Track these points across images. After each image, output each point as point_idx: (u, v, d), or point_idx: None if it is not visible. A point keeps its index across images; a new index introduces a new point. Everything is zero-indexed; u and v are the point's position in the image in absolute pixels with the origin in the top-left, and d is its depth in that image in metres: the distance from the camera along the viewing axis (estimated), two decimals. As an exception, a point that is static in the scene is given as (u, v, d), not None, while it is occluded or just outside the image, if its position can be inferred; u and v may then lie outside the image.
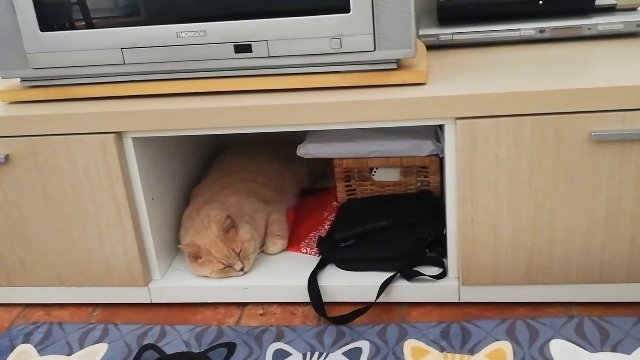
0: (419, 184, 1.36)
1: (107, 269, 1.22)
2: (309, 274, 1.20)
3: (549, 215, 1.07)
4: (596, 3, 1.23)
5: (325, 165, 1.48)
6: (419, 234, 1.21)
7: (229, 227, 1.22)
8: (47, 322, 1.23)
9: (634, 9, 1.23)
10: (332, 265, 1.24)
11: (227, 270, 1.22)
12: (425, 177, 1.34)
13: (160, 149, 1.26)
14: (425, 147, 1.27)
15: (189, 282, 1.24)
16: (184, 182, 1.39)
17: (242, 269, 1.22)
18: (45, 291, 1.28)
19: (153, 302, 1.25)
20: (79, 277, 1.24)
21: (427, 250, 1.21)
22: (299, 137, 1.34)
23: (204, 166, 1.49)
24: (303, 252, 1.30)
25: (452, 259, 1.15)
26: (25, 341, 1.17)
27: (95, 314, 1.26)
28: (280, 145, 1.51)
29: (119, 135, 1.12)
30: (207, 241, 1.21)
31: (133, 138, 1.13)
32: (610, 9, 1.24)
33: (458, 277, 1.15)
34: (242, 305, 1.23)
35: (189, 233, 1.24)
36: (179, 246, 1.25)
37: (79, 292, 1.27)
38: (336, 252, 1.24)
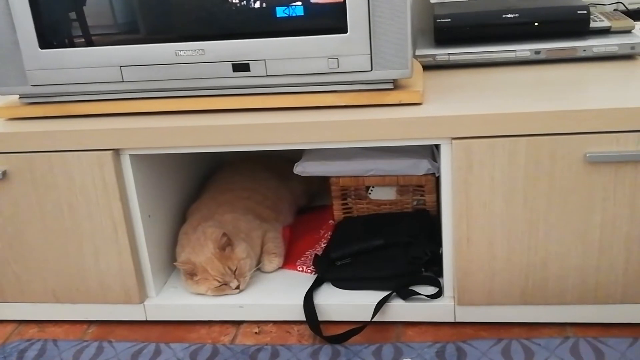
0: (415, 203, 1.36)
1: (102, 286, 1.22)
2: (305, 293, 1.20)
3: (543, 236, 1.08)
4: (591, 26, 1.24)
5: (321, 183, 1.48)
6: (414, 253, 1.21)
7: (225, 245, 1.22)
8: (41, 339, 1.22)
9: (628, 32, 1.25)
10: (328, 283, 1.24)
11: (222, 288, 1.22)
12: (422, 196, 1.35)
13: (157, 166, 1.26)
14: (422, 166, 1.28)
15: (185, 300, 1.24)
16: (180, 199, 1.39)
17: (237, 287, 1.22)
18: (40, 308, 1.27)
19: (148, 319, 1.25)
20: (73, 293, 1.24)
21: (423, 269, 1.21)
22: (296, 155, 1.35)
23: (201, 183, 1.49)
24: (299, 271, 1.30)
25: (448, 278, 1.15)
26: (19, 358, 1.17)
27: (90, 331, 1.25)
28: (277, 163, 1.52)
29: (116, 152, 1.13)
30: (203, 259, 1.21)
31: (130, 155, 1.14)
32: (604, 32, 1.25)
33: (454, 297, 1.15)
34: (237, 323, 1.23)
35: (185, 250, 1.24)
36: (174, 263, 1.25)
37: (73, 309, 1.26)
38: (332, 270, 1.24)
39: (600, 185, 1.03)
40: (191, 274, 1.22)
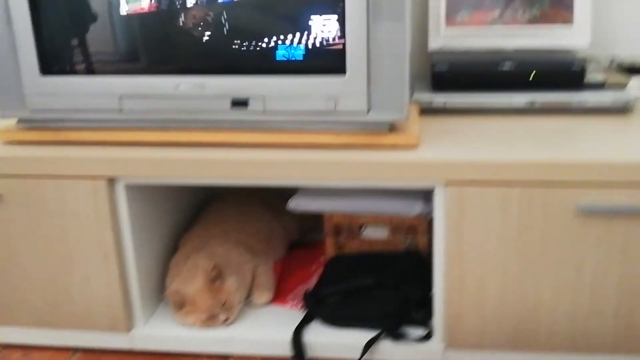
0: (407, 244, 1.36)
1: (89, 312, 1.21)
2: (294, 329, 1.20)
3: (535, 283, 1.08)
4: (586, 79, 1.26)
5: (315, 219, 1.48)
6: (405, 294, 1.21)
7: (216, 277, 1.21)
8: (24, 364, 1.21)
9: (622, 87, 1.27)
10: (317, 320, 1.23)
11: (211, 320, 1.21)
12: (414, 237, 1.35)
13: (151, 195, 1.27)
14: (415, 208, 1.28)
15: (172, 331, 1.23)
16: (173, 229, 1.39)
17: (226, 320, 1.22)
18: (26, 332, 1.26)
19: (135, 349, 1.24)
20: (60, 319, 1.23)
21: (413, 311, 1.21)
22: (291, 189, 1.35)
23: (194, 214, 1.50)
24: (289, 306, 1.29)
25: (438, 321, 1.15)
26: (1, 384, 1.15)
27: (75, 358, 1.24)
28: (271, 197, 1.52)
29: (111, 180, 1.13)
30: (193, 290, 1.20)
31: (125, 184, 1.14)
32: (599, 86, 1.27)
33: (443, 340, 1.15)
34: (224, 357, 1.22)
35: (175, 281, 1.24)
36: (164, 294, 1.25)
37: (59, 334, 1.25)
38: (322, 307, 1.24)
39: (592, 236, 1.04)
40: (180, 305, 1.22)
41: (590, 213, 1.02)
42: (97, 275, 1.18)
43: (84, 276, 1.19)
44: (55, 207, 1.15)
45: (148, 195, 1.25)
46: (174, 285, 1.23)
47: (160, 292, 1.30)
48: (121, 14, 1.08)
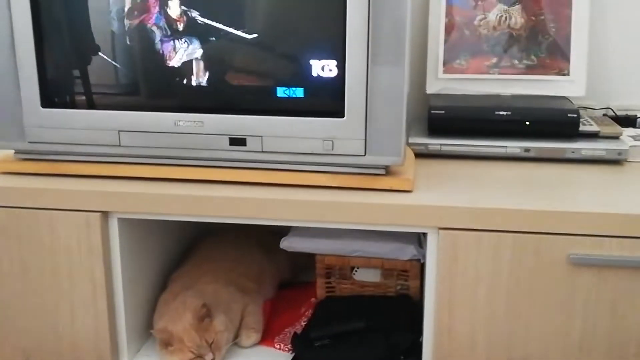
0: (398, 287, 1.36)
1: (74, 347, 1.19)
2: (281, 372, 1.18)
3: (524, 332, 1.07)
4: (580, 129, 1.28)
5: (307, 259, 1.48)
6: (394, 340, 1.20)
7: (204, 316, 1.20)
8: (5, 399, 1.19)
9: (616, 138, 1.28)
10: (305, 364, 1.22)
11: (197, 360, 1.19)
12: (406, 280, 1.34)
13: (144, 230, 1.26)
14: (408, 251, 1.28)
15: (157, 369, 1.21)
16: (163, 265, 1.38)
17: (212, 360, 1.20)
18: (8, 366, 1.24)
19: (118, 387, 1.22)
20: (45, 354, 1.21)
21: (402, 357, 1.20)
22: (283, 229, 1.35)
23: (186, 250, 1.49)
24: (276, 348, 1.28)
25: (427, 368, 1.14)
26: (-20, 418, 1.13)
27: (57, 394, 1.22)
28: (263, 235, 1.51)
29: (104, 214, 1.13)
30: (180, 328, 1.19)
31: (119, 219, 1.14)
32: (593, 135, 1.29)
33: (431, 388, 1.14)
34: (209, 398, 1.20)
35: (163, 319, 1.22)
36: (151, 331, 1.23)
37: (43, 369, 1.23)
38: (310, 351, 1.22)
39: (583, 287, 1.04)
40: (166, 343, 1.20)
41: (582, 263, 1.02)
42: (85, 310, 1.17)
43: (71, 310, 1.17)
44: (47, 239, 1.14)
45: (141, 230, 1.24)
46: (162, 322, 1.22)
47: (147, 329, 1.28)
48: (123, 49, 1.10)
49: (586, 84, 1.39)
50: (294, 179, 1.11)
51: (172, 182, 1.14)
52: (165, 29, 1.07)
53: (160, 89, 1.11)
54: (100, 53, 1.11)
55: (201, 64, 1.08)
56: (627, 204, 1.03)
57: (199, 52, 1.08)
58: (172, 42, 1.08)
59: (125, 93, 1.12)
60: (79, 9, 1.09)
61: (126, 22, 1.08)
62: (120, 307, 1.19)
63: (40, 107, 1.12)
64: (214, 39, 1.07)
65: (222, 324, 1.22)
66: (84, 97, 1.13)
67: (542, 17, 1.39)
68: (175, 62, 1.09)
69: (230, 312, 1.27)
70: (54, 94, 1.13)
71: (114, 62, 1.11)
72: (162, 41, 1.08)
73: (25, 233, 1.14)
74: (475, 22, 1.41)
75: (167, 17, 1.07)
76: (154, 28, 1.08)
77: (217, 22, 1.06)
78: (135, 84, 1.12)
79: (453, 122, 1.30)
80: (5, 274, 1.17)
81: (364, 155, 1.07)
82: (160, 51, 1.09)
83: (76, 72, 1.12)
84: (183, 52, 1.07)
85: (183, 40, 1.07)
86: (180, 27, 1.07)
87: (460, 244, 1.04)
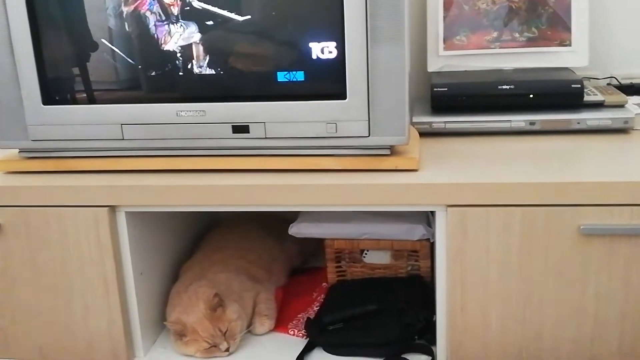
0: (409, 268, 1.35)
1: (89, 343, 1.20)
2: (296, 357, 1.18)
3: (538, 307, 1.07)
4: (585, 99, 1.27)
5: (316, 244, 1.48)
6: (408, 320, 1.20)
7: (217, 306, 1.20)
8: (23, 397, 1.19)
9: (621, 106, 1.27)
10: (319, 348, 1.22)
11: (212, 350, 1.19)
12: (416, 261, 1.34)
13: (152, 223, 1.26)
14: (417, 232, 1.28)
15: (173, 361, 1.22)
16: (174, 257, 1.38)
17: (227, 350, 1.20)
18: (25, 364, 1.25)
19: (135, 380, 1.22)
20: (60, 351, 1.22)
21: (416, 337, 1.20)
22: (292, 215, 1.35)
23: (195, 241, 1.49)
24: (290, 334, 1.28)
25: (441, 347, 1.14)
26: (0, 417, 1.14)
27: (75, 390, 1.23)
28: (272, 223, 1.52)
29: (112, 209, 1.13)
30: (194, 319, 1.19)
31: (126, 212, 1.14)
32: (598, 105, 1.28)
33: (447, 366, 1.14)
34: (225, 386, 1.21)
35: (176, 310, 1.23)
36: (164, 323, 1.23)
37: (59, 366, 1.24)
38: (324, 335, 1.22)
39: (594, 257, 1.03)
40: (181, 335, 1.20)
41: (592, 233, 1.02)
42: (98, 305, 1.17)
43: (84, 306, 1.18)
44: (56, 237, 1.14)
45: (149, 223, 1.24)
46: (175, 314, 1.22)
47: (161, 321, 1.28)
48: (121, 39, 1.09)
49: (589, 54, 1.37)
50: (299, 164, 1.10)
51: (177, 173, 1.13)
52: (159, 14, 1.06)
53: (160, 76, 1.10)
54: (99, 45, 1.10)
55: (200, 48, 1.07)
56: (636, 172, 1.02)
57: (196, 37, 1.07)
58: (166, 26, 1.07)
59: (125, 84, 1.12)
60: (74, 1, 1.08)
61: (123, 9, 1.07)
62: (133, 300, 1.19)
63: (42, 105, 1.12)
64: (211, 22, 1.06)
65: (235, 313, 1.22)
66: (84, 92, 1.12)
67: (541, -12, 1.38)
68: (170, 46, 1.08)
69: (242, 300, 1.27)
70: (54, 90, 1.12)
71: (112, 52, 1.10)
72: (156, 25, 1.07)
73: (34, 232, 1.15)
74: (474, -3, 1.40)
75: (161, 2, 1.06)
76: (148, 13, 1.07)
77: (213, 6, 1.05)
78: (135, 72, 1.11)
79: (456, 99, 1.29)
80: (17, 274, 1.18)
81: (368, 136, 1.07)
82: (155, 35, 1.08)
83: (75, 67, 1.12)
84: (179, 36, 1.06)
85: (179, 24, 1.06)
86: (175, 11, 1.06)
87: (469, 221, 1.04)
